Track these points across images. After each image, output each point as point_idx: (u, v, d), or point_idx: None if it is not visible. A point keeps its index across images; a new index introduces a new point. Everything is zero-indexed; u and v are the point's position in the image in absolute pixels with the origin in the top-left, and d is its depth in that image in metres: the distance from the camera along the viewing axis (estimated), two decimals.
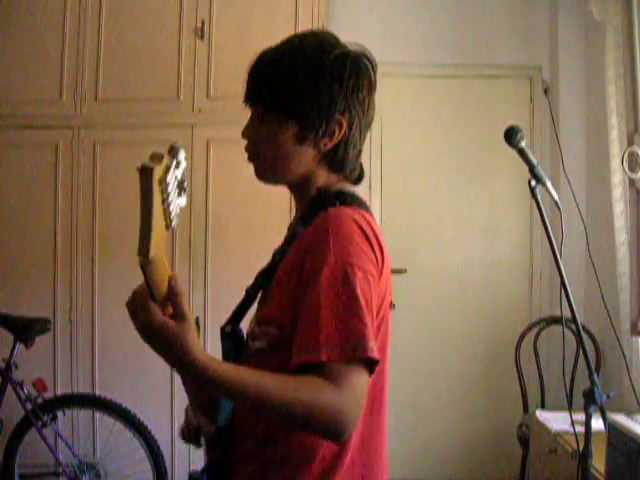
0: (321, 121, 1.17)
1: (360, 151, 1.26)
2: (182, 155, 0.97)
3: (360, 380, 1.05)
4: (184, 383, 1.25)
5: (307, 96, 1.16)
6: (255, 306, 1.28)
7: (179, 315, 1.01)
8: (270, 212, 3.22)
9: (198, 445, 1.31)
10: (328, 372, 1.03)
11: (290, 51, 1.18)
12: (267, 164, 1.22)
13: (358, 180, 1.28)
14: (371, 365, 1.06)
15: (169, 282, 1.02)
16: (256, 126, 1.21)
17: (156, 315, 1.02)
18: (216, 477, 1.21)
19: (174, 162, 0.95)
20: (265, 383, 1.01)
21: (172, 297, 1.02)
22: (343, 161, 1.22)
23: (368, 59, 1.27)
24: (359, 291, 1.07)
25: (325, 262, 1.07)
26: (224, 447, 1.20)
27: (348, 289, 1.07)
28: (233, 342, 1.24)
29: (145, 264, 1.00)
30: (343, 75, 1.19)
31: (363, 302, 1.07)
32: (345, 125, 1.19)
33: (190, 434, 1.32)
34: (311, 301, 1.06)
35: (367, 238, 1.13)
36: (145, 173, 0.91)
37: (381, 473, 1.23)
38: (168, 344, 1.03)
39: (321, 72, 1.17)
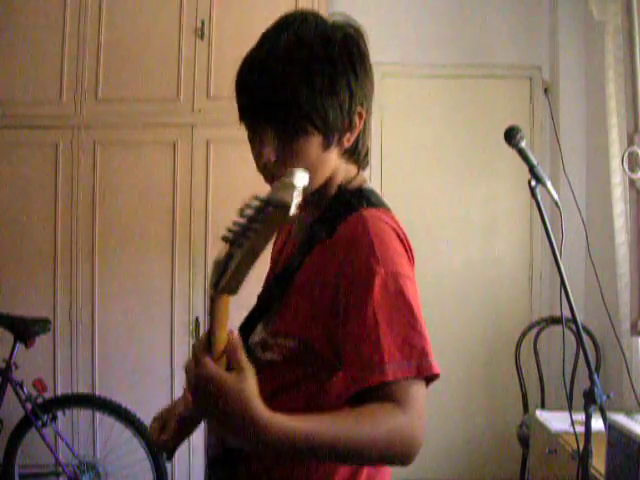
0: (343, 120, 1.08)
1: (370, 132, 1.18)
2: (301, 180, 0.80)
3: (421, 397, 0.99)
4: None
5: (327, 100, 1.04)
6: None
7: (238, 367, 0.88)
8: None
9: (169, 457, 1.28)
10: (392, 393, 0.95)
11: (295, 53, 1.03)
12: None
13: (366, 163, 1.20)
14: (430, 379, 1.01)
15: (229, 334, 0.89)
16: (275, 146, 1.05)
17: (212, 367, 0.87)
18: None
19: (299, 190, 0.79)
20: (342, 432, 0.91)
21: (231, 348, 0.88)
22: (361, 151, 1.16)
23: (357, 30, 1.17)
24: (412, 301, 1.01)
25: (375, 275, 0.99)
26: (231, 469, 1.11)
27: (403, 302, 1.00)
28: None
29: (225, 303, 0.86)
30: (354, 63, 1.10)
31: (417, 312, 1.01)
32: (364, 114, 1.12)
33: (162, 447, 1.27)
34: (365, 318, 0.97)
35: (402, 242, 1.09)
36: (282, 210, 0.76)
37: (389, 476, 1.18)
38: (226, 398, 0.85)
39: (335, 68, 1.06)
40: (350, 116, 1.09)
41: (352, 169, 1.16)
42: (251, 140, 1.10)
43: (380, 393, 0.95)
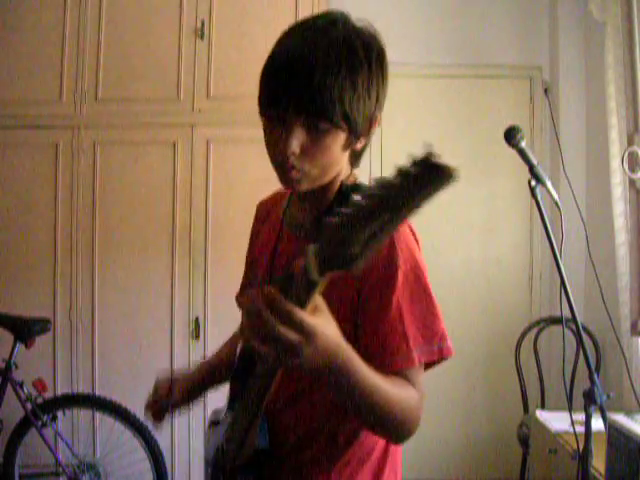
0: (366, 123, 1.12)
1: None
2: None
3: (423, 381, 1.09)
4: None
5: (362, 102, 1.08)
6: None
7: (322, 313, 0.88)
8: None
9: (161, 420, 1.38)
10: (409, 375, 1.06)
11: (342, 54, 1.06)
12: (313, 175, 1.11)
13: (359, 162, 1.25)
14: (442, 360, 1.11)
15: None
16: (303, 139, 1.07)
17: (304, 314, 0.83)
18: None
19: None
20: (387, 386, 1.00)
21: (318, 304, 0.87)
22: (363, 153, 1.21)
23: (381, 39, 1.18)
24: (429, 289, 1.10)
25: (398, 268, 1.06)
26: (261, 468, 1.15)
27: (423, 290, 1.09)
28: (252, 360, 1.11)
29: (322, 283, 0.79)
30: (385, 71, 1.13)
31: (434, 298, 1.10)
32: (380, 119, 1.15)
33: (159, 411, 1.37)
34: (391, 308, 1.06)
35: (412, 232, 1.16)
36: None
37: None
38: (324, 335, 0.85)
39: (371, 73, 1.09)
40: (371, 121, 1.13)
41: (349, 167, 1.21)
42: (272, 131, 1.10)
43: (399, 373, 1.05)
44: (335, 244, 0.76)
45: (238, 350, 1.27)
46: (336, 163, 1.13)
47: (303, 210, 1.20)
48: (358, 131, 1.10)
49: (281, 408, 1.15)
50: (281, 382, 1.02)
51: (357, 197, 0.74)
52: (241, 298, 0.85)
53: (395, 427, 1.05)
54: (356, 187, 1.16)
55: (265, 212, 1.38)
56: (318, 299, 0.85)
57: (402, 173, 0.72)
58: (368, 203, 0.72)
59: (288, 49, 1.08)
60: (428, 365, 1.10)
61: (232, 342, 1.45)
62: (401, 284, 1.06)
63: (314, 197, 1.16)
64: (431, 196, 0.71)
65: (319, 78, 1.03)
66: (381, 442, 1.19)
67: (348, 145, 1.12)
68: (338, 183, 1.17)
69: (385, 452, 1.19)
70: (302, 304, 0.82)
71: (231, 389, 1.30)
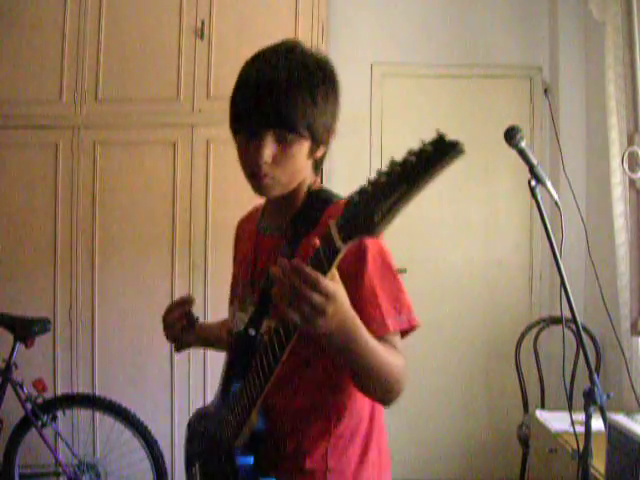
0: (325, 133, 1.28)
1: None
2: None
3: (402, 348, 1.24)
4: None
5: (320, 115, 1.25)
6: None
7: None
8: None
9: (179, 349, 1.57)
10: (392, 341, 1.20)
11: (302, 76, 1.23)
12: (283, 181, 1.27)
13: (319, 170, 1.40)
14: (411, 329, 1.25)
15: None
16: (275, 149, 1.23)
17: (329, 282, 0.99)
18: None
19: None
20: (383, 349, 1.13)
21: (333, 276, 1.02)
22: (322, 161, 1.36)
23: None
24: (394, 269, 1.25)
25: (366, 252, 1.21)
26: (258, 447, 1.28)
27: (389, 270, 1.24)
28: (250, 345, 1.28)
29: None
30: (337, 89, 1.29)
31: (398, 277, 1.25)
32: (336, 130, 1.31)
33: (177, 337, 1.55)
34: (365, 286, 1.20)
35: None
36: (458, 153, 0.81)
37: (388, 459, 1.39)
38: (343, 308, 1.02)
39: (327, 90, 1.26)
40: (329, 132, 1.29)
41: (313, 175, 1.37)
42: (246, 145, 1.26)
43: (383, 341, 1.17)
44: (358, 215, 0.89)
45: (232, 339, 1.39)
46: (302, 169, 1.29)
47: (277, 215, 1.37)
48: (319, 140, 1.27)
49: (272, 391, 1.21)
50: None
51: (375, 175, 0.88)
52: (273, 268, 0.99)
53: (389, 387, 1.17)
54: (322, 191, 1.35)
55: (241, 229, 1.55)
56: (334, 270, 0.98)
57: (416, 152, 0.84)
58: (387, 179, 0.86)
59: (255, 73, 1.25)
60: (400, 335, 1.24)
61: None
62: (371, 264, 1.21)
63: (285, 202, 1.32)
64: (443, 168, 0.82)
65: (284, 96, 1.21)
66: (367, 415, 1.31)
67: (311, 153, 1.28)
68: (305, 188, 1.33)
69: (371, 424, 1.32)
70: (324, 272, 0.96)
71: (226, 376, 1.40)
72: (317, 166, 1.36)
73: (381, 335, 1.17)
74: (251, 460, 1.28)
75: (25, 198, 3.41)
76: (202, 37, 3.35)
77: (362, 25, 3.87)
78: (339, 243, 0.93)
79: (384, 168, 0.87)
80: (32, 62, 3.42)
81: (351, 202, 0.91)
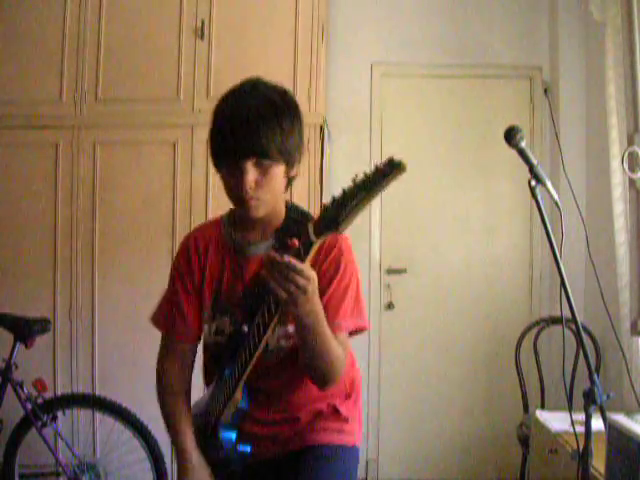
0: (297, 155, 1.52)
1: None
2: None
3: (350, 346, 1.57)
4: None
5: (290, 140, 1.48)
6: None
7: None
8: None
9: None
10: (342, 340, 1.50)
11: (268, 110, 1.45)
12: (267, 201, 1.50)
13: (288, 188, 1.63)
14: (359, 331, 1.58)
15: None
16: (259, 175, 1.47)
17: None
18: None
19: None
20: (335, 343, 1.45)
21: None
22: (295, 178, 1.58)
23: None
24: (358, 280, 1.57)
25: (342, 265, 1.53)
26: (241, 423, 1.60)
27: (355, 281, 1.55)
28: (243, 339, 1.50)
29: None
30: (300, 116, 1.52)
31: (360, 288, 1.57)
32: (305, 148, 1.56)
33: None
34: (338, 290, 1.52)
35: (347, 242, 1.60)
36: (401, 171, 1.14)
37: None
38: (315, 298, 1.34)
39: (293, 115, 1.50)
40: (300, 154, 1.52)
41: (284, 194, 1.60)
42: (230, 176, 1.48)
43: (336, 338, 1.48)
44: (327, 216, 1.20)
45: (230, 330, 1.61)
46: (281, 188, 1.53)
47: (254, 232, 1.59)
48: (292, 161, 1.51)
49: (255, 378, 1.54)
50: (256, 363, 1.48)
51: (347, 186, 1.17)
52: (266, 258, 1.26)
53: (329, 372, 1.47)
54: (297, 205, 1.64)
55: (196, 244, 1.67)
56: (308, 260, 1.27)
57: (374, 169, 1.15)
58: (351, 188, 1.17)
59: (229, 112, 1.47)
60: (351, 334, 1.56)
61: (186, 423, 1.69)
62: (342, 273, 1.52)
63: (268, 219, 1.56)
64: (392, 180, 1.14)
65: (256, 129, 1.43)
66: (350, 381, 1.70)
67: (287, 173, 1.52)
68: (283, 204, 1.60)
69: (355, 387, 1.72)
70: (302, 261, 1.26)
71: (219, 367, 1.62)
72: (289, 184, 1.58)
73: (336, 329, 1.47)
74: (234, 434, 1.59)
75: (25, 198, 3.40)
76: (202, 37, 3.35)
77: (362, 25, 3.87)
78: (313, 237, 1.24)
79: (350, 182, 1.17)
80: (32, 62, 3.42)
81: (324, 208, 1.21)
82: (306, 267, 1.25)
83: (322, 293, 1.41)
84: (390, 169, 1.12)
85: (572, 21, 3.73)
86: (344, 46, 3.83)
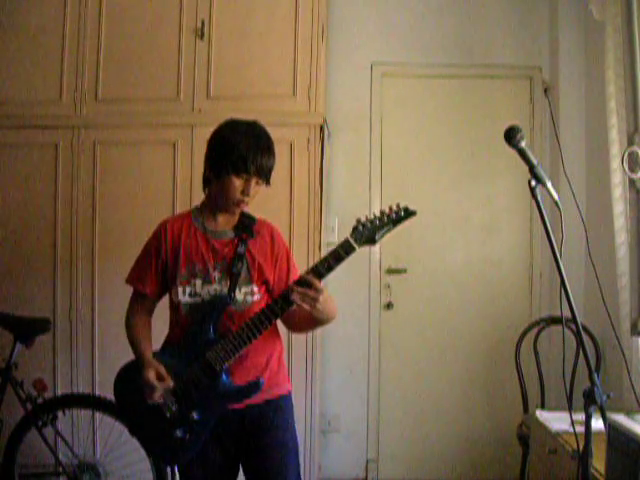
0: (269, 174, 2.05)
1: None
2: None
3: None
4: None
5: (273, 164, 2.04)
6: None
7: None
8: (267, 212, 3.22)
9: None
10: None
11: (268, 137, 2.03)
12: (247, 206, 2.07)
13: None
14: None
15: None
16: (255, 187, 2.01)
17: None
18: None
19: None
20: (332, 301, 2.00)
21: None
22: None
23: None
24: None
25: (285, 249, 2.13)
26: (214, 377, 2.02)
27: (294, 263, 2.14)
28: (229, 302, 2.01)
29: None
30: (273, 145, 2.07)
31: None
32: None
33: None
34: (290, 258, 2.13)
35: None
36: (408, 217, 2.00)
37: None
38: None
39: (272, 146, 2.03)
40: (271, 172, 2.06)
41: None
42: (236, 184, 1.98)
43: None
44: (365, 233, 1.90)
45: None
46: None
47: (221, 222, 2.09)
48: (269, 182, 2.04)
49: (234, 363, 2.00)
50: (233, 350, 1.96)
51: (370, 217, 1.93)
52: (294, 286, 1.89)
53: (331, 319, 2.03)
54: (244, 211, 2.12)
55: (172, 228, 2.11)
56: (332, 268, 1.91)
57: (397, 210, 1.96)
58: (381, 220, 1.93)
59: (245, 138, 1.98)
60: None
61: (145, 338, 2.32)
62: (289, 257, 2.12)
63: (231, 217, 2.09)
64: (407, 219, 1.97)
65: (267, 156, 1.99)
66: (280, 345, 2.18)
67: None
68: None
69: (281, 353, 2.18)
70: (332, 267, 1.90)
71: (201, 320, 2.04)
72: None
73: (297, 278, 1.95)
74: (229, 379, 2.00)
75: (25, 198, 3.41)
76: (202, 37, 3.35)
77: (362, 25, 3.87)
78: (355, 245, 1.88)
79: (378, 214, 1.93)
80: (32, 62, 3.42)
81: (358, 225, 1.90)
82: (321, 285, 1.86)
83: (279, 265, 2.08)
84: (407, 213, 1.96)
85: (572, 21, 3.73)
86: (344, 46, 3.83)
